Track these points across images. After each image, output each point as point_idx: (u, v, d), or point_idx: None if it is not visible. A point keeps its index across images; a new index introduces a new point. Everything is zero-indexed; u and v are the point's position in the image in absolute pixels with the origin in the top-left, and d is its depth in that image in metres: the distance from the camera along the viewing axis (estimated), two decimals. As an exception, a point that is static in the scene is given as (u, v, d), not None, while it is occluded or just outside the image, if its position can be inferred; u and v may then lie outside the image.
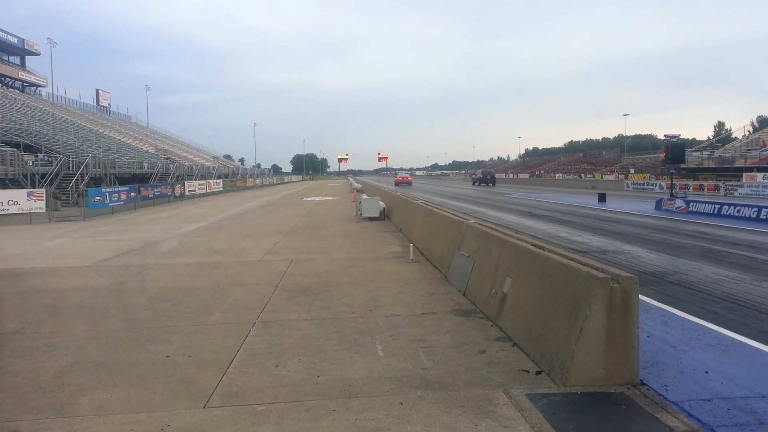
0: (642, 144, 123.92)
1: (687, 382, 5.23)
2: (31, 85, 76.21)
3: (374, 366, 5.55)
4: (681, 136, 35.37)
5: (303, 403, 4.70)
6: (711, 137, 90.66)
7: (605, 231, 17.71)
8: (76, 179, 33.12)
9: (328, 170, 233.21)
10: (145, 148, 61.74)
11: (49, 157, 34.50)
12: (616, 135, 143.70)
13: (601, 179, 69.66)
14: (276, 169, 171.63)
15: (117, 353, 6.09)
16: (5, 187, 27.71)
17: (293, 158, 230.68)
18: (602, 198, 33.15)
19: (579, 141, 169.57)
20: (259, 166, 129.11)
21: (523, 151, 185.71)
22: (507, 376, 5.24)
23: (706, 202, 24.47)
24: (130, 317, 7.61)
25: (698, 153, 60.15)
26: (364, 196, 24.68)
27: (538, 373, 5.30)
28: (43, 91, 77.40)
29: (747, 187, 40.03)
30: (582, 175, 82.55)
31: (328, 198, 41.45)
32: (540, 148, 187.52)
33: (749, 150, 53.77)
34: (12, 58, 73.30)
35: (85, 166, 34.66)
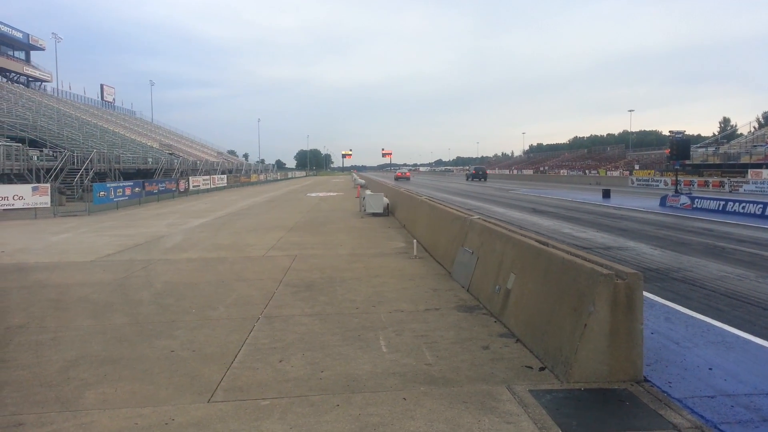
0: (647, 140, 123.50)
1: (691, 379, 5.23)
2: (36, 80, 76.35)
3: (378, 361, 5.57)
4: (686, 132, 35.25)
5: (307, 398, 4.71)
6: (716, 133, 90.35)
7: (609, 227, 17.67)
8: (81, 174, 33.21)
9: (332, 166, 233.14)
10: (149, 144, 61.86)
11: (54, 152, 34.60)
12: (621, 131, 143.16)
13: (606, 175, 69.53)
14: (280, 165, 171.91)
15: (122, 348, 6.12)
16: (10, 182, 27.83)
17: (297, 154, 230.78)
18: (606, 194, 33.08)
19: (583, 137, 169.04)
20: (263, 161, 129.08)
21: (527, 147, 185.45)
22: (510, 372, 5.24)
23: (710, 199, 24.38)
24: (134, 312, 7.64)
25: (703, 149, 60.00)
26: (368, 192, 24.68)
27: (542, 369, 5.30)
28: (48, 86, 77.66)
29: (752, 183, 39.85)
30: (586, 171, 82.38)
31: (331, 194, 41.47)
32: (544, 144, 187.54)
33: (755, 146, 53.56)
34: (17, 53, 73.43)
35: (90, 161, 34.75)
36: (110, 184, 28.55)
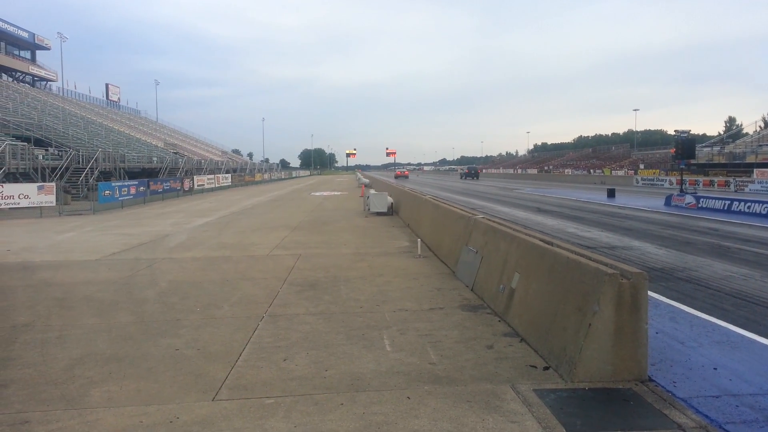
0: (652, 139, 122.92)
1: (695, 379, 5.21)
2: (42, 79, 76.62)
3: (382, 360, 5.57)
4: (691, 132, 35.12)
5: (311, 397, 4.72)
6: (722, 133, 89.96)
7: (614, 227, 17.63)
8: (86, 173, 33.31)
9: (336, 165, 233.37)
10: (154, 143, 62.02)
11: (59, 151, 34.70)
12: (626, 130, 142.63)
13: (611, 175, 69.34)
14: (284, 164, 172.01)
15: (127, 346, 6.14)
16: (16, 181, 27.93)
17: (301, 153, 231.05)
18: (611, 194, 33.00)
19: (588, 136, 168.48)
20: (267, 160, 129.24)
21: (531, 147, 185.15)
22: (515, 372, 5.23)
23: (716, 198, 24.29)
24: (139, 310, 7.67)
25: (709, 148, 59.76)
26: (372, 191, 24.69)
27: (546, 368, 5.29)
28: (54, 86, 77.95)
29: (758, 183, 39.67)
30: (591, 170, 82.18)
31: (336, 193, 41.49)
32: (549, 143, 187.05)
33: (760, 145, 53.31)
34: (23, 53, 73.72)
35: (95, 160, 34.85)
36: (115, 183, 28.64)
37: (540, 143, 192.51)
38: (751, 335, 6.50)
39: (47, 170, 31.49)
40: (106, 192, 26.52)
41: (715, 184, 42.91)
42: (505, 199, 33.50)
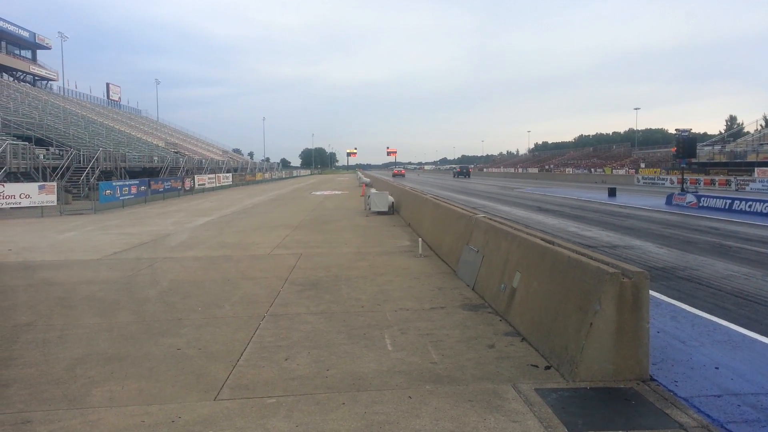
0: (653, 138, 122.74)
1: (697, 378, 5.21)
2: (42, 78, 76.65)
3: (383, 360, 5.57)
4: (692, 131, 35.06)
5: (313, 396, 4.72)
6: (723, 131, 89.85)
7: (615, 226, 17.62)
8: (87, 173, 33.32)
9: (336, 164, 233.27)
10: (155, 142, 62.04)
11: (60, 150, 34.71)
12: (627, 129, 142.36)
13: (612, 174, 69.30)
14: (285, 163, 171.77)
15: (128, 346, 6.14)
16: (17, 180, 27.94)
17: (302, 152, 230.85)
18: (612, 193, 32.99)
19: (589, 135, 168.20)
20: (268, 160, 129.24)
21: (532, 146, 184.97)
22: (516, 371, 5.23)
23: (717, 197, 24.28)
24: (141, 310, 7.67)
25: (710, 147, 59.67)
26: (373, 191, 24.70)
27: (548, 368, 5.29)
28: (54, 85, 77.97)
29: (759, 182, 39.64)
30: (592, 169, 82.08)
31: (336, 192, 41.49)
32: (550, 142, 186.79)
33: (761, 144, 53.24)
34: (23, 52, 73.72)
35: (96, 159, 34.86)
36: (116, 183, 28.65)
37: (541, 142, 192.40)
38: (752, 334, 6.49)
39: (48, 170, 31.49)
40: (107, 191, 26.53)
41: (716, 183, 42.88)
42: (505, 198, 33.49)
